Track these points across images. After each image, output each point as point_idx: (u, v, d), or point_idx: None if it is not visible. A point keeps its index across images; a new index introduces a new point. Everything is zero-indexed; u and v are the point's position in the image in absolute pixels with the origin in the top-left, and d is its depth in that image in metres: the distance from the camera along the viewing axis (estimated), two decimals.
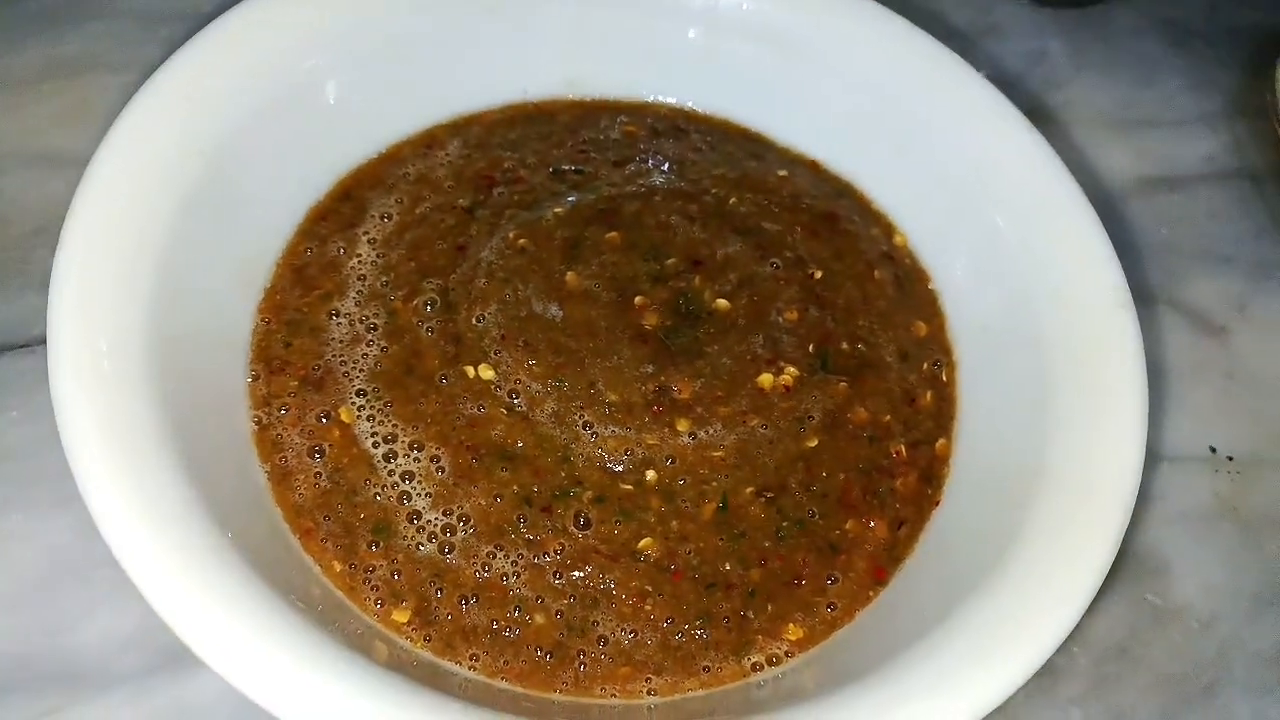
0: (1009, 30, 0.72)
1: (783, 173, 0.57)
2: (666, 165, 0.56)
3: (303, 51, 0.52)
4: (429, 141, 0.57)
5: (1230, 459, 0.56)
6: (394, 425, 0.47)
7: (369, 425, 0.47)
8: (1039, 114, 0.68)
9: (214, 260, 0.48)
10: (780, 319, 0.51)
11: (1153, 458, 0.53)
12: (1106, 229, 0.50)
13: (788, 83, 0.58)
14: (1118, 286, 0.48)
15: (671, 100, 0.60)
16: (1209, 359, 0.60)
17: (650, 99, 0.60)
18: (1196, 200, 0.66)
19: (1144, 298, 0.61)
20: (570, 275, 0.51)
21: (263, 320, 0.49)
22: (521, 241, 0.52)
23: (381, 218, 0.53)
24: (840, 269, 0.53)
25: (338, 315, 0.50)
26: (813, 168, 0.58)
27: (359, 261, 0.52)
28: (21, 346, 0.51)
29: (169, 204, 0.46)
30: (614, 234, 0.52)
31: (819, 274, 0.52)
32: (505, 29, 0.57)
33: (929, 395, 0.51)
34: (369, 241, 0.53)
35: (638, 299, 0.50)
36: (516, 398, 0.48)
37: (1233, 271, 0.63)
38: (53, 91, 0.60)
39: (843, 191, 0.57)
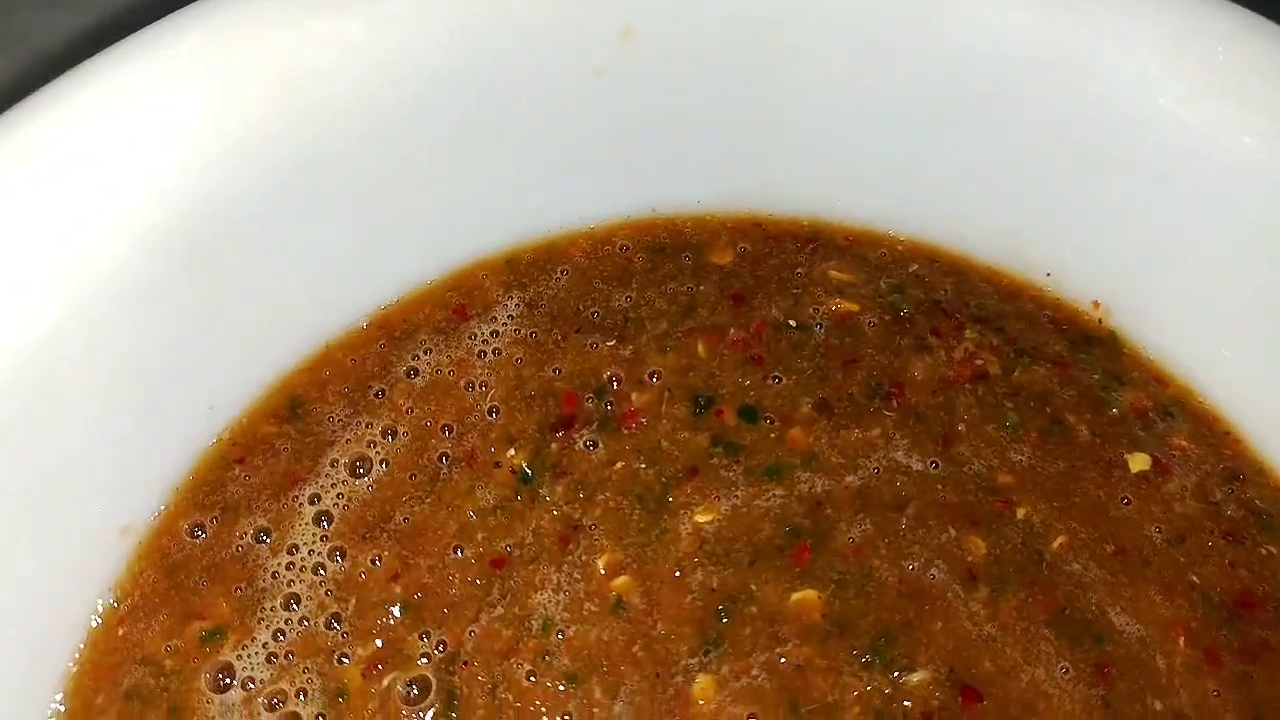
0: None
1: (1142, 462, 0.28)
2: (917, 424, 0.28)
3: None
4: (463, 294, 0.30)
5: None
6: None
7: None
8: None
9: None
10: None
11: None
12: None
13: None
14: None
15: (911, 232, 0.31)
16: None
17: (882, 229, 0.31)
18: None
19: None
20: (702, 683, 0.25)
21: (80, 694, 0.24)
22: (620, 584, 0.26)
23: (352, 467, 0.27)
24: None
25: (228, 683, 0.25)
26: (1198, 425, 0.29)
27: (293, 564, 0.26)
28: None
29: None
30: (808, 593, 0.26)
31: None
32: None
33: None
34: (320, 519, 0.27)
35: None
36: None
37: None
38: None
39: (1269, 513, 0.28)
